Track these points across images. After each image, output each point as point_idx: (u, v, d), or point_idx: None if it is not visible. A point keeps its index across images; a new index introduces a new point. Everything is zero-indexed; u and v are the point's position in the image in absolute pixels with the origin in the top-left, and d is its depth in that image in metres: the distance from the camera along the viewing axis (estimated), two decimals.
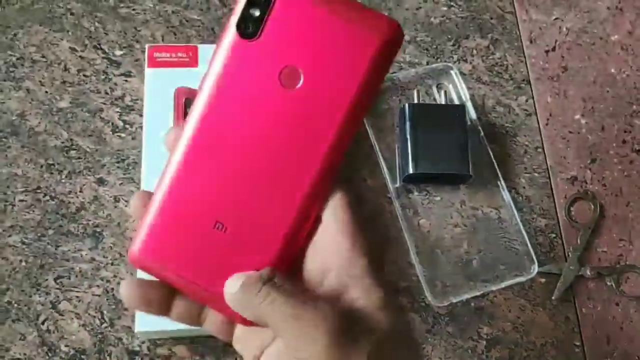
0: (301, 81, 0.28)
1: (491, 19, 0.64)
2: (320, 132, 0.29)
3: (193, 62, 0.54)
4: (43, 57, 0.57)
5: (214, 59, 0.29)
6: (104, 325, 0.50)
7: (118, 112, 0.56)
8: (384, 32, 0.28)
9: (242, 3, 0.28)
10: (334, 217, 0.29)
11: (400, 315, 0.30)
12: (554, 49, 0.63)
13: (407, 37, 0.62)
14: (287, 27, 0.28)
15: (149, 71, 0.53)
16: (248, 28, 0.28)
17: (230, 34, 0.28)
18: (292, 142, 0.29)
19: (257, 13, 0.28)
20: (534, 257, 0.55)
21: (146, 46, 0.54)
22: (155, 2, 0.60)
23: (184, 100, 0.52)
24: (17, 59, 0.57)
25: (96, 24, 0.59)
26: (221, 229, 0.29)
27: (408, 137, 0.55)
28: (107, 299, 0.51)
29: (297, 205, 0.29)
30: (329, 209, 0.29)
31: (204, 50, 0.54)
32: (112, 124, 0.56)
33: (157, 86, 0.53)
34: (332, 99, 0.28)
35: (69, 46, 0.58)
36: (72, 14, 0.59)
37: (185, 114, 0.50)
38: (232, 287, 0.28)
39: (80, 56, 0.58)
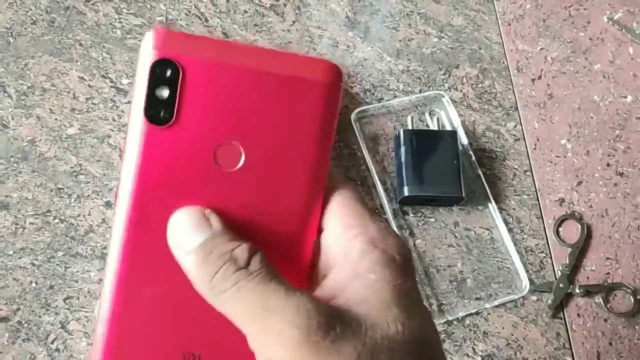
0: (242, 157, 0.24)
1: (480, 49, 0.67)
2: (288, 205, 0.24)
3: None
4: (53, 85, 0.60)
5: (128, 156, 0.24)
6: None
7: (125, 138, 0.58)
8: (323, 77, 0.24)
9: (144, 86, 0.23)
10: (334, 220, 0.26)
11: (424, 321, 0.24)
12: (539, 77, 0.67)
13: (400, 67, 0.65)
14: (208, 99, 0.24)
15: None
16: (159, 113, 0.23)
17: (139, 122, 0.24)
18: (258, 229, 0.24)
19: (165, 93, 0.23)
20: (525, 276, 0.57)
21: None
22: None
23: None
24: (28, 87, 0.59)
25: (104, 54, 0.61)
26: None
27: (403, 161, 0.58)
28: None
29: None
30: (329, 215, 0.26)
31: None
32: (120, 149, 0.58)
33: None
34: (287, 164, 0.24)
35: (78, 75, 0.60)
36: (80, 44, 0.62)
37: None
38: (189, 240, 0.23)
39: (88, 85, 0.60)
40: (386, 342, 0.22)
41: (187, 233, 0.23)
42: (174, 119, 0.23)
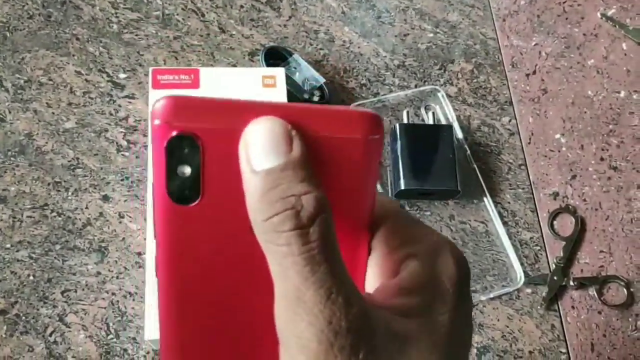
0: None
1: (475, 44, 0.68)
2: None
3: (195, 84, 0.56)
4: (50, 80, 0.60)
5: (159, 237, 0.22)
6: (110, 336, 0.52)
7: (122, 132, 0.58)
8: (360, 133, 0.21)
9: (163, 167, 0.21)
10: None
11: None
12: (534, 73, 0.67)
13: (396, 62, 0.65)
14: (235, 169, 0.21)
15: (153, 92, 0.56)
16: (184, 192, 0.21)
17: (164, 204, 0.21)
18: None
19: (187, 170, 0.21)
20: (520, 269, 0.58)
21: (150, 69, 0.57)
22: (158, 29, 0.63)
23: None
24: (25, 81, 0.59)
25: (101, 48, 0.62)
26: None
27: (399, 155, 0.58)
28: (113, 311, 0.52)
29: None
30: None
31: (205, 72, 0.57)
32: (117, 143, 0.58)
33: None
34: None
35: (75, 70, 0.60)
36: (77, 39, 0.62)
37: None
38: (261, 157, 0.20)
39: (85, 79, 0.60)
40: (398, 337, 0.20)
41: (262, 148, 0.20)
42: (201, 196, 0.21)
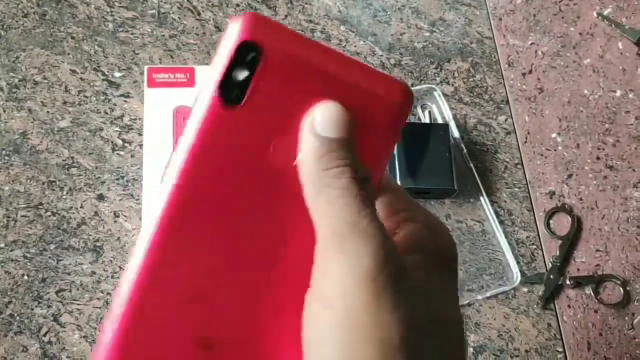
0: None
1: (471, 43, 0.67)
2: None
3: (190, 82, 0.56)
4: (45, 78, 0.59)
5: (188, 130, 0.23)
6: None
7: (117, 131, 0.58)
8: (397, 97, 0.24)
9: (224, 64, 0.23)
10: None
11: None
12: (530, 72, 0.67)
13: (392, 61, 0.65)
14: (281, 90, 0.23)
15: (148, 91, 0.55)
16: (232, 93, 0.23)
17: (208, 99, 0.23)
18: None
19: (242, 75, 0.23)
20: (517, 268, 0.57)
21: (145, 67, 0.56)
22: (153, 27, 0.63)
23: (183, 118, 0.55)
24: (20, 80, 0.59)
25: (96, 47, 0.61)
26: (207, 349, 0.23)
27: (395, 153, 0.58)
28: (108, 311, 0.52)
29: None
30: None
31: (201, 71, 0.57)
32: (112, 142, 0.58)
33: (156, 105, 0.55)
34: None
35: (70, 68, 0.60)
36: (72, 37, 0.61)
37: None
38: (330, 126, 0.23)
39: (80, 78, 0.60)
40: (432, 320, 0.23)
41: (331, 119, 0.23)
42: (243, 102, 0.23)
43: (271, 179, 0.23)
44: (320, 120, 0.23)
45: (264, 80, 0.23)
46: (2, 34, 0.60)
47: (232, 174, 0.23)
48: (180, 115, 0.55)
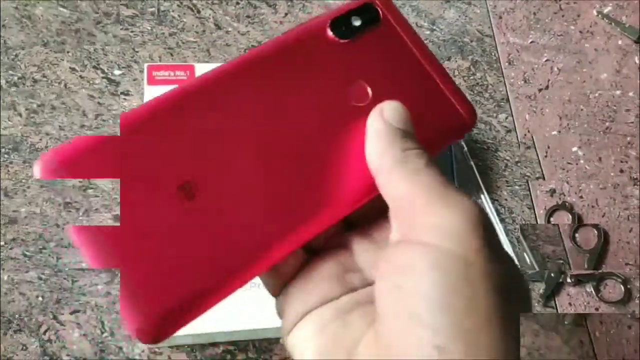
0: (369, 94, 0.26)
1: (471, 41, 0.67)
2: None
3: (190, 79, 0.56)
4: (44, 76, 0.59)
5: (292, 36, 0.26)
6: (105, 334, 0.51)
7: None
8: (469, 120, 0.27)
9: (350, 5, 0.27)
10: None
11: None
12: (532, 69, 0.67)
13: None
14: (379, 48, 0.27)
15: (148, 89, 0.55)
16: (341, 28, 0.27)
17: (321, 25, 0.27)
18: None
19: (357, 22, 0.27)
20: (517, 265, 0.57)
21: (145, 65, 0.56)
22: (153, 25, 0.63)
23: None
24: (19, 78, 0.59)
25: (96, 45, 0.61)
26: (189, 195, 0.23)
27: None
28: (108, 309, 0.52)
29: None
30: None
31: (201, 69, 0.57)
32: None
33: None
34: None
35: (69, 66, 0.60)
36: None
37: None
38: (402, 118, 0.25)
39: (80, 76, 0.60)
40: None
41: (399, 112, 0.25)
42: (345, 41, 0.26)
43: (331, 115, 0.26)
44: (390, 111, 0.25)
45: (370, 38, 0.27)
46: (2, 32, 0.60)
47: (302, 86, 0.26)
48: None
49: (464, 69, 0.66)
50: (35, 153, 0.56)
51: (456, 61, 0.66)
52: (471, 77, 0.66)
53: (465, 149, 0.61)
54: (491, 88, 0.66)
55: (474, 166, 0.61)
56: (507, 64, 0.67)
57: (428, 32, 0.67)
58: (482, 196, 0.60)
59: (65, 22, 0.62)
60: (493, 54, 0.67)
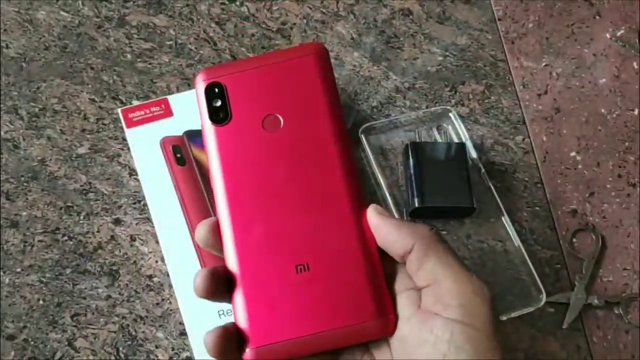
0: (281, 122, 0.34)
1: (485, 66, 0.68)
2: (323, 144, 0.33)
3: (167, 112, 0.56)
4: (64, 107, 0.60)
5: (210, 151, 0.34)
6: None
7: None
8: (312, 53, 0.35)
9: (204, 104, 0.35)
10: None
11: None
12: (545, 92, 0.67)
13: (406, 84, 0.66)
14: (247, 99, 0.34)
15: (129, 131, 0.55)
16: (219, 115, 0.34)
17: (209, 127, 0.35)
18: (308, 166, 0.33)
19: (219, 103, 0.35)
20: (542, 287, 0.56)
21: (119, 110, 0.56)
22: (171, 57, 0.64)
23: (171, 148, 0.55)
24: (40, 109, 0.60)
25: (115, 77, 0.63)
26: (304, 270, 0.31)
27: (412, 173, 0.57)
28: (123, 335, 0.51)
29: (351, 219, 0.31)
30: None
31: (174, 99, 0.56)
32: (129, 167, 0.58)
33: (141, 142, 0.55)
34: (314, 115, 0.33)
35: (89, 97, 0.61)
36: (92, 68, 0.63)
37: (176, 160, 0.53)
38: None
39: (99, 106, 0.61)
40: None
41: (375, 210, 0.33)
42: (229, 118, 0.34)
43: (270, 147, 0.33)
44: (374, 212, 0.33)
45: (232, 97, 0.35)
46: (24, 66, 0.62)
47: (252, 157, 0.34)
48: (168, 145, 0.55)
49: (478, 93, 0.66)
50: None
51: (470, 85, 0.66)
52: (486, 101, 0.66)
53: (483, 170, 0.60)
54: (507, 111, 0.65)
55: (492, 187, 0.60)
56: (521, 87, 0.67)
57: (441, 59, 0.68)
58: (502, 218, 0.59)
59: (67, 26, 0.64)
60: (507, 77, 0.67)
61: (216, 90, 0.34)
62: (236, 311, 0.31)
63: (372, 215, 0.31)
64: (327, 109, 0.33)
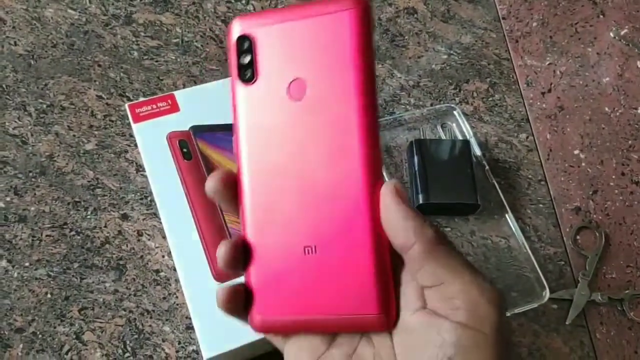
0: (307, 89, 0.30)
1: (489, 64, 0.68)
2: (350, 116, 0.29)
3: (174, 108, 0.56)
4: (72, 104, 0.61)
5: (237, 111, 0.32)
6: (127, 354, 0.51)
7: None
8: (354, 7, 0.29)
9: (234, 57, 0.32)
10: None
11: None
12: (549, 91, 0.67)
13: (411, 82, 0.66)
14: (275, 59, 0.31)
15: (136, 127, 0.55)
16: (246, 73, 0.31)
17: (237, 84, 0.32)
18: (331, 141, 0.30)
19: (247, 59, 0.31)
20: (545, 284, 0.56)
21: (126, 105, 0.56)
22: (177, 55, 0.65)
23: (178, 142, 0.55)
24: (48, 106, 0.61)
25: (121, 74, 0.63)
26: (312, 252, 0.30)
27: (416, 169, 0.58)
28: (130, 329, 0.52)
29: (367, 209, 0.29)
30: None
31: (181, 95, 0.57)
32: (136, 164, 0.59)
33: (148, 137, 0.54)
34: (342, 85, 0.30)
35: (96, 94, 0.62)
36: (99, 65, 0.63)
37: (182, 155, 0.53)
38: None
39: (106, 103, 0.61)
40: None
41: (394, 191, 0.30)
42: (255, 77, 0.31)
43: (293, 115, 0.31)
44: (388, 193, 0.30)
45: (261, 53, 0.31)
46: (32, 63, 0.63)
47: (277, 123, 0.31)
48: (175, 139, 0.55)
49: (482, 91, 0.66)
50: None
51: (474, 83, 0.67)
52: (490, 99, 0.66)
53: (487, 167, 0.61)
54: (510, 109, 0.66)
55: (496, 185, 0.60)
56: (525, 85, 0.68)
57: (445, 57, 0.68)
58: (506, 215, 0.59)
59: (74, 24, 0.64)
60: (511, 76, 0.68)
61: (245, 45, 0.31)
62: (247, 275, 0.31)
63: (386, 194, 0.30)
64: (359, 78, 0.29)
